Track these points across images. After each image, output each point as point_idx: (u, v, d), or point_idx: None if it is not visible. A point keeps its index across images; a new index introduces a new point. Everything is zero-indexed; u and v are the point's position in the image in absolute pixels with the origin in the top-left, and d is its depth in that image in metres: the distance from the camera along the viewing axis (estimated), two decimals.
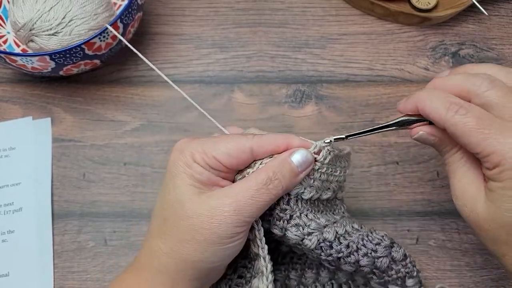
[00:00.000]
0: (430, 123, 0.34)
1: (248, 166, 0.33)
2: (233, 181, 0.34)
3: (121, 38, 0.44)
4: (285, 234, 0.33)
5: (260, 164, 0.33)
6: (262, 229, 0.33)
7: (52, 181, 0.47)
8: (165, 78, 0.38)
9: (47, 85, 0.51)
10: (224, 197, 0.31)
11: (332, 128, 0.49)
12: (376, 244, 0.34)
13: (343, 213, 0.38)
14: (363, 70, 0.51)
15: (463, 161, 0.33)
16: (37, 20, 0.45)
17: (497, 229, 0.31)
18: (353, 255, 0.33)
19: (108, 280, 0.43)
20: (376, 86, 0.51)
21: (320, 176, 0.34)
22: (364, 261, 0.33)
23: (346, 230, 0.34)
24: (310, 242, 0.33)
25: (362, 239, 0.34)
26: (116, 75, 0.52)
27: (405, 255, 0.35)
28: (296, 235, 0.33)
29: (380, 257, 0.34)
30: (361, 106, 0.50)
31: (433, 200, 0.46)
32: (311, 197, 0.34)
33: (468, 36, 0.53)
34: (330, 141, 0.34)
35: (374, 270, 0.34)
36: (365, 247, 0.34)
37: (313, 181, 0.34)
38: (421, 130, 0.34)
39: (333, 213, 0.37)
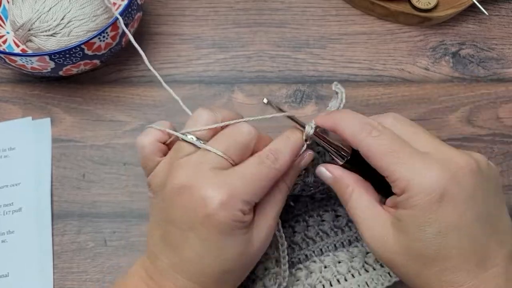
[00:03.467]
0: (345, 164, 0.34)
1: None
2: None
3: (125, 29, 0.44)
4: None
5: None
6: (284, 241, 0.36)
7: (51, 182, 0.47)
8: (154, 72, 0.38)
9: (46, 85, 0.51)
10: (271, 222, 0.34)
11: None
12: None
13: None
14: (363, 70, 0.51)
15: (360, 198, 0.33)
16: (35, 21, 0.45)
17: (410, 261, 0.30)
18: None
19: (108, 280, 0.43)
20: (376, 86, 0.51)
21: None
22: None
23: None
24: (309, 178, 0.37)
25: None
26: (116, 75, 0.52)
27: None
28: (298, 179, 0.37)
29: None
30: (361, 106, 0.50)
31: None
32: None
33: (468, 36, 0.53)
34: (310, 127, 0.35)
35: None
36: None
37: None
38: (322, 167, 0.35)
39: None
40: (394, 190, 0.30)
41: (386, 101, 0.50)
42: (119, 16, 0.43)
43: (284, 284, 0.37)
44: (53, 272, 0.43)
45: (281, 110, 0.35)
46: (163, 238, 0.33)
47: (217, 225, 0.30)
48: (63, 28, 0.45)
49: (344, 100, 0.37)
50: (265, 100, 0.34)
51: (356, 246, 0.40)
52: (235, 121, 0.34)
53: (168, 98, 0.50)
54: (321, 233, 0.41)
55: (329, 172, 0.34)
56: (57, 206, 0.46)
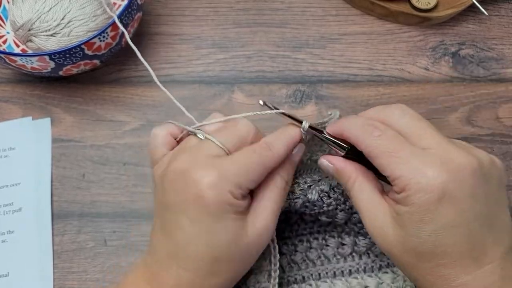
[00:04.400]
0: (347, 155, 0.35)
1: None
2: None
3: (123, 29, 0.44)
4: (291, 200, 0.37)
5: None
6: (277, 247, 0.35)
7: (51, 181, 0.47)
8: (151, 72, 0.39)
9: (46, 85, 0.51)
10: (267, 217, 0.33)
11: None
12: None
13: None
14: (363, 70, 0.51)
15: (363, 189, 0.33)
16: (35, 21, 0.45)
17: (406, 254, 0.31)
18: (348, 201, 0.37)
19: (108, 280, 0.43)
20: (376, 86, 0.51)
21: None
22: None
23: (333, 184, 0.37)
24: (312, 195, 0.37)
25: None
26: (116, 75, 0.52)
27: None
28: (299, 193, 0.37)
29: None
30: (361, 106, 0.50)
31: None
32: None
33: (468, 36, 0.53)
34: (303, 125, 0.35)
35: None
36: None
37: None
38: (323, 159, 0.36)
39: (312, 173, 0.39)
40: (394, 188, 0.31)
41: (386, 101, 0.50)
42: (116, 19, 0.43)
43: None
44: (53, 272, 0.43)
45: (277, 109, 0.35)
46: (161, 227, 0.33)
47: (206, 205, 0.31)
48: (63, 28, 0.45)
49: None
50: (260, 102, 0.35)
51: (356, 278, 0.39)
52: (233, 116, 0.36)
53: (168, 98, 0.50)
54: (322, 257, 0.40)
55: (330, 163, 0.35)
56: (57, 206, 0.46)
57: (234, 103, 0.50)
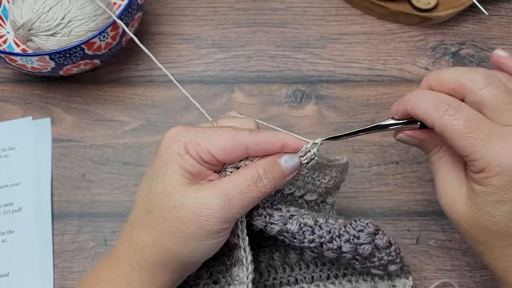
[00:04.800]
0: (422, 125, 0.34)
1: None
2: (221, 171, 0.33)
3: (128, 31, 0.44)
4: (267, 224, 0.33)
5: (251, 160, 0.32)
6: (244, 221, 0.33)
7: (52, 181, 0.47)
8: (166, 72, 0.37)
9: (47, 85, 0.51)
10: (214, 190, 0.30)
11: (332, 128, 0.49)
12: (359, 231, 0.34)
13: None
14: (363, 70, 0.51)
15: (445, 160, 0.33)
16: (36, 20, 0.45)
17: (476, 229, 0.31)
18: (335, 240, 0.34)
19: None
20: (376, 86, 0.51)
21: (304, 178, 0.34)
22: (346, 247, 0.33)
23: (327, 220, 0.34)
24: (292, 226, 0.33)
25: (345, 226, 0.34)
26: (116, 75, 0.52)
27: (389, 243, 0.35)
28: (278, 219, 0.33)
29: (363, 244, 0.34)
30: (361, 106, 0.50)
31: (433, 200, 0.46)
32: (292, 193, 0.35)
33: (468, 36, 0.53)
34: (315, 143, 0.32)
35: (357, 257, 0.34)
36: (348, 233, 0.34)
37: (296, 180, 0.34)
38: (401, 133, 0.34)
39: (299, 207, 0.37)
40: (471, 168, 0.30)
41: (386, 101, 0.50)
42: (116, 19, 0.43)
43: None
44: (53, 272, 0.43)
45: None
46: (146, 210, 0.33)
47: (159, 155, 0.32)
48: (63, 28, 0.45)
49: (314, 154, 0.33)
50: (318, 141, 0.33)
51: (350, 281, 0.39)
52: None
53: (168, 98, 0.51)
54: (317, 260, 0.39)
55: (411, 136, 0.34)
56: (57, 206, 0.46)
57: (234, 103, 0.50)
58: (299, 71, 0.51)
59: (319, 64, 0.52)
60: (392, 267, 0.35)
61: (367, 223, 0.34)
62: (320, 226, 0.34)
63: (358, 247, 0.34)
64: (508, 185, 0.29)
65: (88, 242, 0.45)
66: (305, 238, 0.33)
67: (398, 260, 0.35)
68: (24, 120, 0.49)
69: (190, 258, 0.31)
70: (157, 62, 0.36)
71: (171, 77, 0.37)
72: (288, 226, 0.33)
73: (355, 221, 0.35)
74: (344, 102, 0.50)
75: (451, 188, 0.32)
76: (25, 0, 0.46)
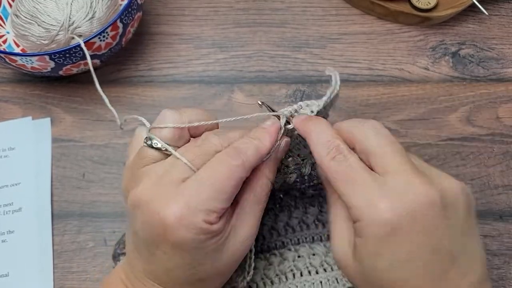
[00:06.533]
0: None
1: None
2: None
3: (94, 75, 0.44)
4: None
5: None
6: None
7: (51, 181, 0.47)
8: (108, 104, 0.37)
9: (46, 85, 0.51)
10: (251, 222, 0.31)
11: None
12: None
13: None
14: (363, 70, 0.51)
15: (340, 213, 0.32)
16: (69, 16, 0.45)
17: (365, 285, 0.30)
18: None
19: None
20: (376, 86, 0.51)
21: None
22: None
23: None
24: (305, 169, 0.36)
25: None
26: (116, 75, 0.52)
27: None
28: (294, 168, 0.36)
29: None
30: (361, 106, 0.50)
31: None
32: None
33: (468, 36, 0.53)
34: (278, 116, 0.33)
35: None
36: None
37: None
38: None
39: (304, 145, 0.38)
40: (351, 216, 0.29)
41: (386, 101, 0.50)
42: (81, 42, 0.44)
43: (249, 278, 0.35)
44: (53, 272, 0.43)
45: (272, 110, 0.34)
46: (135, 248, 0.32)
47: (180, 243, 0.28)
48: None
49: (338, 88, 0.35)
50: (259, 102, 0.34)
51: None
52: (204, 122, 0.32)
53: (168, 98, 0.51)
54: (302, 224, 0.40)
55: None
56: (57, 206, 0.46)
57: (234, 103, 0.50)
58: (299, 71, 0.51)
59: (319, 64, 0.52)
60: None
61: None
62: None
63: None
64: (382, 237, 0.27)
65: (88, 242, 0.45)
66: (314, 176, 0.37)
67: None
68: (24, 120, 0.49)
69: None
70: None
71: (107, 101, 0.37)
72: (303, 170, 0.36)
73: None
74: (344, 102, 0.50)
75: (343, 245, 0.30)
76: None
